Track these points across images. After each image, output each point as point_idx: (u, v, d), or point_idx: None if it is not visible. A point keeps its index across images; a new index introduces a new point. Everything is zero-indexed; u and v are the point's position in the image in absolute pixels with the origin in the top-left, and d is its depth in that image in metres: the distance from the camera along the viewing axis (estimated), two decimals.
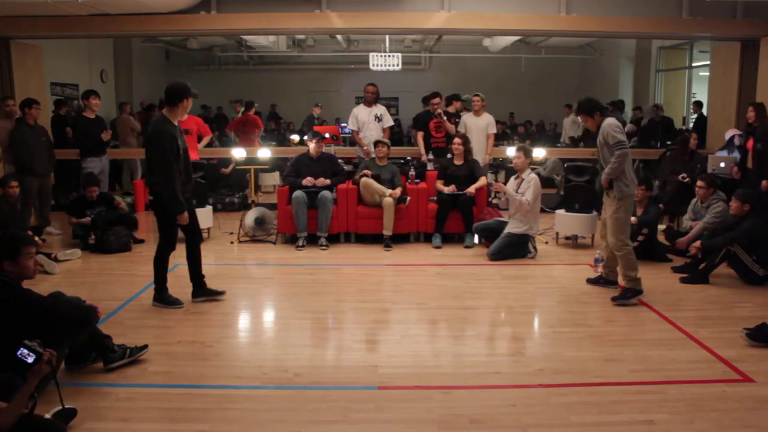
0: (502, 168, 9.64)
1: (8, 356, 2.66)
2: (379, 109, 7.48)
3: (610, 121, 4.59)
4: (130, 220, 6.57)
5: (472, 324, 4.38)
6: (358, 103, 8.34)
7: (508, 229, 6.03)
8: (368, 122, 7.41)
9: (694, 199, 6.01)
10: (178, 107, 4.25)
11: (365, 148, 7.31)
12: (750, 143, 6.60)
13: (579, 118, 4.92)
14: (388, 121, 7.53)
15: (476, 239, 6.52)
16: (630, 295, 4.62)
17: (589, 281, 5.17)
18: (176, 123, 4.33)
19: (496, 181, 6.77)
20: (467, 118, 7.59)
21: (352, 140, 7.97)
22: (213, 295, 4.67)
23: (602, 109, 4.72)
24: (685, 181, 6.71)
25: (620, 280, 4.87)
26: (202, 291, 4.66)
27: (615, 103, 11.05)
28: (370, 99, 7.44)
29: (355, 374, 3.45)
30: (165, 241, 4.47)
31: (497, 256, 5.94)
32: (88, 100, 7.23)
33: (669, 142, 9.45)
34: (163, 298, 4.52)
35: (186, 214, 4.34)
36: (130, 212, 6.72)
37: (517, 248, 6.02)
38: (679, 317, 4.33)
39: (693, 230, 5.78)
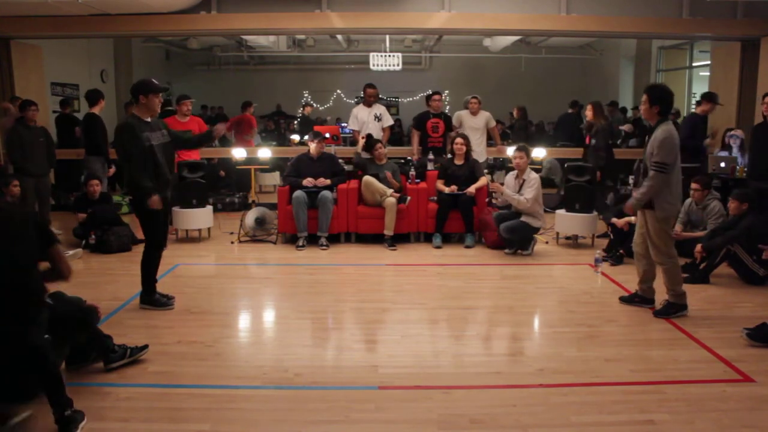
0: (501, 168, 9.61)
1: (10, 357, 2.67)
2: (379, 109, 7.49)
3: (668, 134, 4.08)
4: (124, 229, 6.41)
5: (472, 324, 4.38)
6: (358, 103, 8.35)
7: (524, 219, 6.07)
8: (368, 122, 7.41)
9: (688, 200, 5.85)
10: (140, 104, 4.30)
11: None
12: (588, 139, 7.38)
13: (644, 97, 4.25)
14: (388, 121, 7.54)
15: (471, 239, 6.52)
16: (674, 311, 4.31)
17: (623, 300, 4.65)
18: (146, 119, 4.30)
19: (493, 181, 6.77)
20: (464, 115, 7.60)
21: (353, 140, 7.97)
22: (162, 306, 4.48)
23: (665, 109, 4.21)
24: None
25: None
26: (150, 299, 4.50)
27: (613, 104, 11.06)
28: (371, 101, 7.45)
29: (355, 374, 3.45)
30: (150, 240, 4.48)
31: (509, 233, 6.03)
32: (102, 101, 7.21)
33: None
34: (152, 300, 4.48)
35: (157, 196, 4.24)
36: (125, 226, 6.56)
37: (524, 239, 6.11)
38: (679, 317, 4.32)
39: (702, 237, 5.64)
